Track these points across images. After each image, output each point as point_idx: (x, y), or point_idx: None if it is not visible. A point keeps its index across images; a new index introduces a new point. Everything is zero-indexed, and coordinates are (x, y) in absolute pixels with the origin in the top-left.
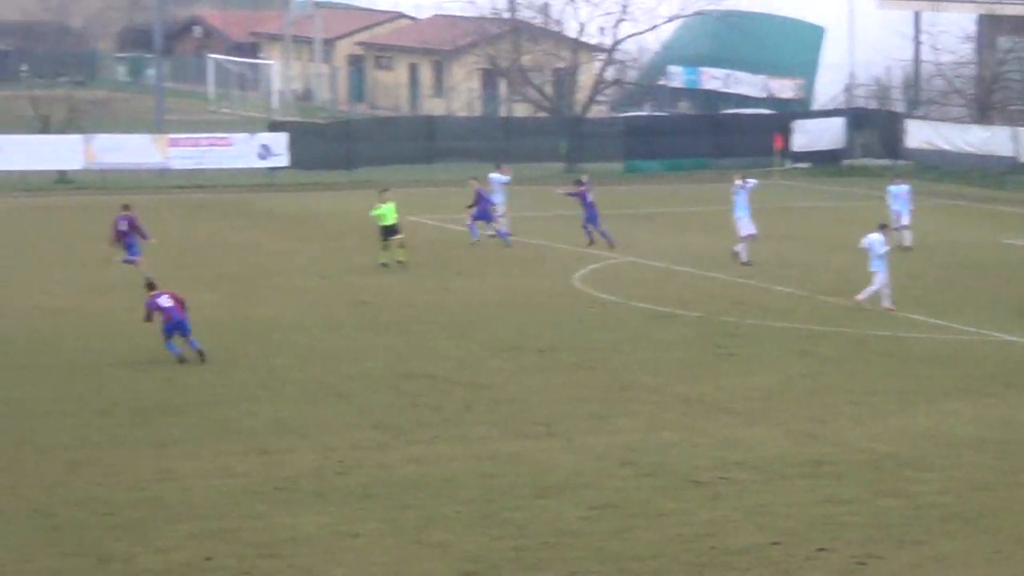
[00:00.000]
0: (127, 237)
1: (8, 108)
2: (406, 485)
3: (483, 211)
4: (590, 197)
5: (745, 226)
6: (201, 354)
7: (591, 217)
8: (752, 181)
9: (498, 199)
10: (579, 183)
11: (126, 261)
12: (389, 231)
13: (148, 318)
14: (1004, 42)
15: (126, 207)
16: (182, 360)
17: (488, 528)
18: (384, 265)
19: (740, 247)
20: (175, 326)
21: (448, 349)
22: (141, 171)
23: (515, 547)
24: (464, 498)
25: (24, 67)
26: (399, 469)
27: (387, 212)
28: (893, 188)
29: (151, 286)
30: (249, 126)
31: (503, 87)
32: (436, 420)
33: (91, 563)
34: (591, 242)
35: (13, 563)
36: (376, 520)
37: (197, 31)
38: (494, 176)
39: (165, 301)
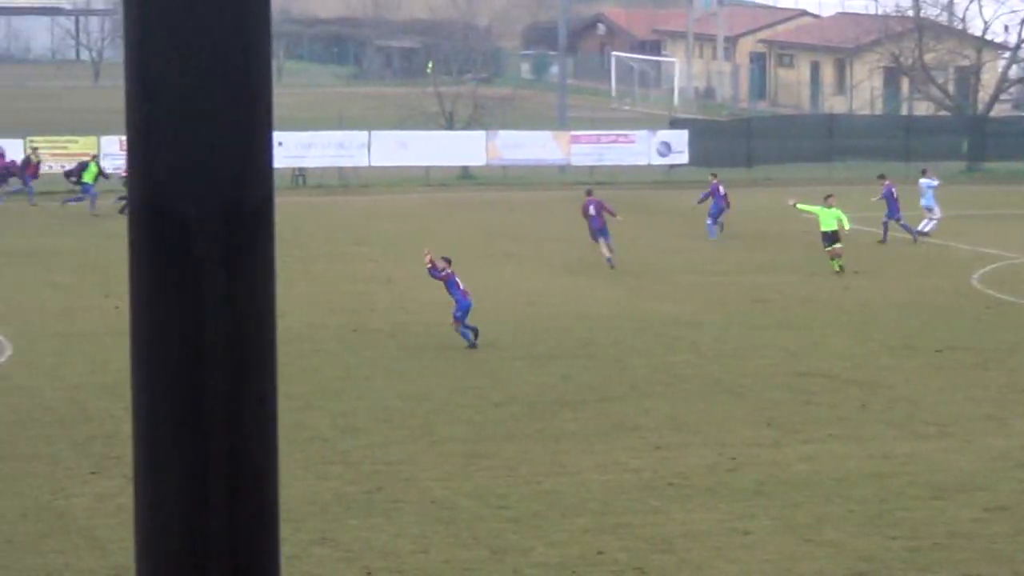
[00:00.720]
0: (595, 220)
1: (415, 105)
2: (798, 483)
3: (717, 208)
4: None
5: None
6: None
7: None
8: None
9: (928, 203)
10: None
11: (608, 254)
12: (828, 238)
13: (438, 278)
14: None
15: (589, 192)
16: (473, 346)
17: (880, 528)
18: (840, 269)
19: None
20: (467, 311)
21: (844, 347)
22: (542, 167)
23: (907, 548)
24: (857, 497)
25: (430, 64)
26: (792, 467)
27: (825, 217)
28: None
29: (448, 260)
30: (650, 123)
31: (905, 85)
32: (830, 418)
33: (485, 555)
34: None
35: (410, 553)
36: (768, 517)
37: (600, 29)
38: (923, 181)
39: (462, 284)
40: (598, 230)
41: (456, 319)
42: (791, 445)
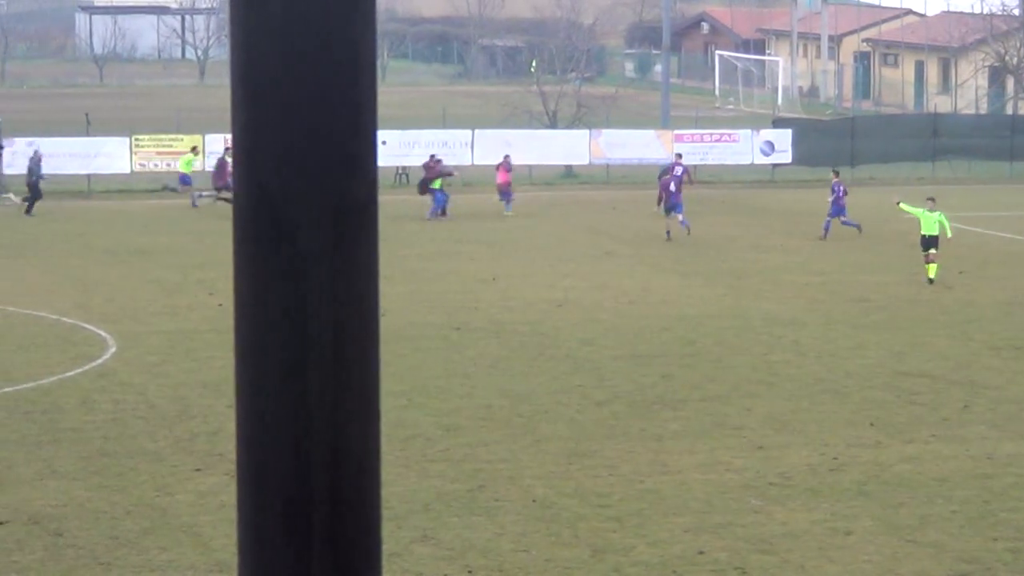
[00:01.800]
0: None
1: (518, 104)
2: (901, 483)
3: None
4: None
5: None
6: None
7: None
8: None
9: None
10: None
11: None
12: (926, 242)
13: None
14: None
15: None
16: None
17: (984, 529)
18: (930, 281)
19: None
20: None
21: (946, 347)
22: (645, 166)
23: (1010, 548)
24: (959, 498)
25: (534, 63)
26: (894, 467)
27: (926, 221)
28: None
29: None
30: (753, 122)
31: (1010, 84)
32: (933, 419)
33: (586, 554)
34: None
35: (511, 552)
36: (870, 518)
37: (704, 27)
38: None
39: None
40: (675, 204)
41: None
42: (893, 445)
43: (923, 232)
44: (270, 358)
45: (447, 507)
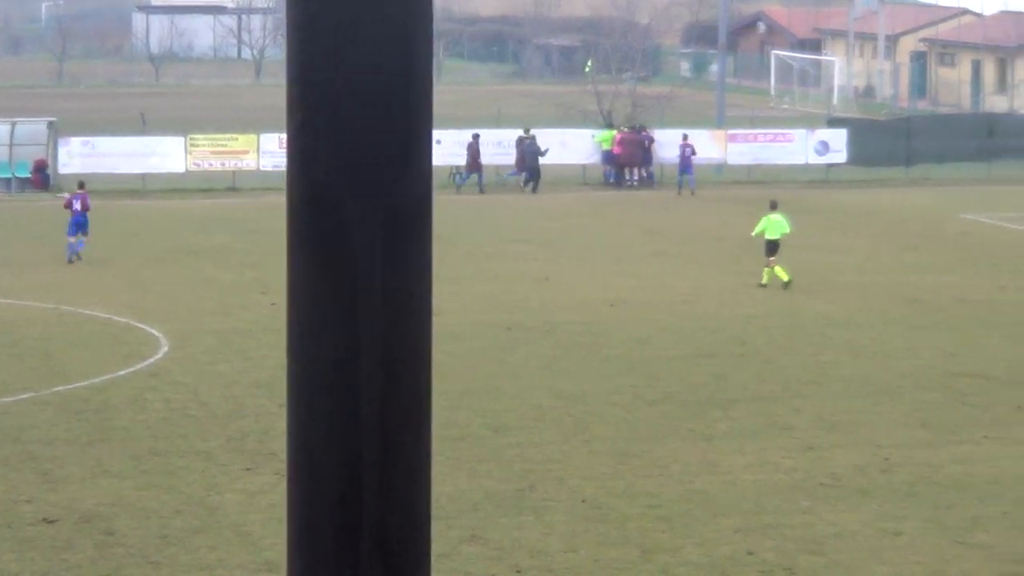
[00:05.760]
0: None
1: (574, 103)
2: (951, 485)
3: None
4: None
5: None
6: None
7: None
8: None
9: None
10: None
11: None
12: (772, 247)
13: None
14: None
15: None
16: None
17: None
18: (762, 286)
19: None
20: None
21: (1000, 348)
22: (698, 166)
23: None
24: (1011, 499)
25: (589, 63)
26: (945, 468)
27: (772, 226)
28: None
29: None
30: (808, 122)
31: None
32: (985, 420)
33: (635, 554)
34: None
35: (559, 552)
36: (920, 519)
37: (761, 27)
38: None
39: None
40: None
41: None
42: (945, 446)
43: (768, 237)
44: (322, 358)
45: (496, 507)
